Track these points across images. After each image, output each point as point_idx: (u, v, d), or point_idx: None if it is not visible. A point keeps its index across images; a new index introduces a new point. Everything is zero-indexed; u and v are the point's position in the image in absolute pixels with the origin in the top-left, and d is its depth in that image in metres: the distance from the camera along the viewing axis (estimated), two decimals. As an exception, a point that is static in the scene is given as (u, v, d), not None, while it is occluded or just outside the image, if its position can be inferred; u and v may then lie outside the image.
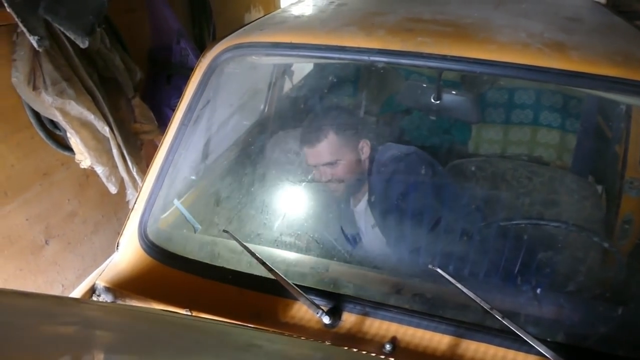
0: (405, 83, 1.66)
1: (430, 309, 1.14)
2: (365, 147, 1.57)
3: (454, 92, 1.42)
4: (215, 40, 1.69)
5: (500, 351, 1.06)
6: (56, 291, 2.39)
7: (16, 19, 1.32)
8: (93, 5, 1.50)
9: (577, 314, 1.16)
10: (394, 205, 1.47)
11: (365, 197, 1.59)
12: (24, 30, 1.32)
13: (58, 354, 0.84)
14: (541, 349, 0.99)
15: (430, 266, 1.14)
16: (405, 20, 1.57)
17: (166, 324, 1.09)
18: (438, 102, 1.40)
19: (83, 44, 1.46)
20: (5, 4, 1.32)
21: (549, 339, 1.03)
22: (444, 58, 1.34)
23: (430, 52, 1.34)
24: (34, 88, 2.04)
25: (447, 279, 1.11)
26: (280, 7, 5.35)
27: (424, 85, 1.46)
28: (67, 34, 1.44)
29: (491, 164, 1.82)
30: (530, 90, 2.12)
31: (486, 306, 1.04)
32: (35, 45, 1.35)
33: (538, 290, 1.17)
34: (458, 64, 1.33)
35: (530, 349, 1.03)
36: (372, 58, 1.40)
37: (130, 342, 0.99)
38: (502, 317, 1.02)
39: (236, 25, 1.75)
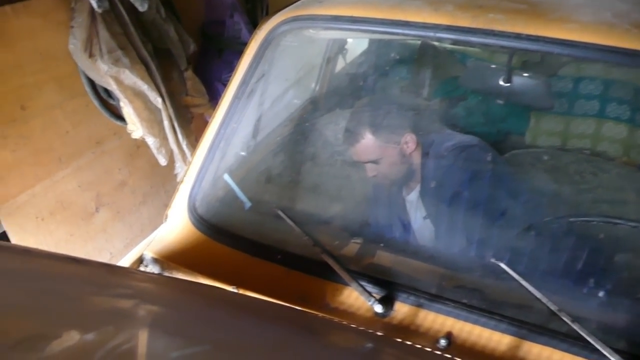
0: (471, 63, 1.56)
1: (491, 306, 1.07)
2: (410, 142, 1.49)
3: (526, 75, 1.31)
4: (271, 13, 1.65)
5: (567, 357, 0.98)
6: (104, 258, 2.44)
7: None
8: (154, -32, 1.47)
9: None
10: (451, 198, 1.39)
11: (418, 187, 1.52)
12: (86, -11, 1.31)
13: (107, 325, 0.83)
14: (614, 358, 0.91)
15: (492, 260, 1.06)
16: (476, -6, 1.47)
17: (216, 300, 1.08)
18: (508, 84, 1.31)
19: (142, 7, 1.44)
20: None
21: (622, 349, 0.95)
22: (517, 37, 1.24)
23: (502, 30, 1.25)
24: (90, 55, 2.05)
25: (511, 274, 1.03)
26: (334, -17, 5.26)
27: (493, 66, 1.36)
28: (127, -4, 1.42)
29: (552, 156, 1.71)
30: (597, 80, 1.98)
31: (553, 307, 0.96)
32: (95, 5, 1.34)
33: (612, 295, 1.08)
34: (533, 43, 1.23)
35: (600, 358, 0.95)
36: (438, 35, 1.32)
37: (179, 317, 0.97)
38: (572, 321, 0.94)
39: (289, 1, 1.70)
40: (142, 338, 0.87)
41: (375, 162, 1.49)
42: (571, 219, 1.26)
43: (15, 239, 1.99)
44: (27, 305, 0.81)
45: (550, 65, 1.73)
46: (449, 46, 2.04)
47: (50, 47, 2.09)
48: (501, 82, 1.32)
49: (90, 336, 0.77)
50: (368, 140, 1.49)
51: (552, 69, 1.85)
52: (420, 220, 1.48)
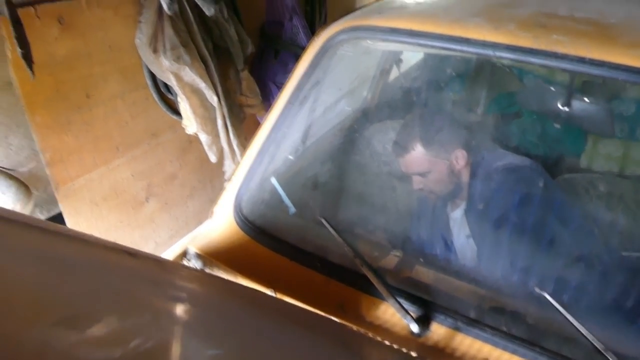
0: (530, 83, 1.52)
1: (532, 336, 1.03)
2: (460, 158, 1.48)
3: (586, 99, 1.27)
4: (328, 21, 1.66)
5: (608, 398, 0.94)
6: (149, 247, 2.52)
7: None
8: (223, -26, 1.52)
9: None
10: (497, 219, 1.36)
11: (464, 205, 1.50)
12: (159, -9, 1.36)
13: (146, 316, 0.85)
14: None
15: (537, 289, 1.03)
16: (539, 15, 1.43)
17: (254, 303, 1.09)
18: (567, 108, 1.27)
19: (209, 11, 1.48)
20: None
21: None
22: (581, 60, 1.20)
23: (565, 53, 1.21)
24: (154, 50, 2.13)
25: (555, 306, 1.00)
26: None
27: (552, 88, 1.32)
28: (197, 0, 1.47)
29: (608, 182, 1.64)
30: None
31: (599, 345, 0.93)
32: (165, 7, 1.39)
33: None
34: (597, 68, 1.19)
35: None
36: (498, 53, 1.29)
37: (217, 316, 0.99)
38: (617, 362, 0.91)
39: (348, 6, 1.70)
40: (179, 333, 0.89)
41: (422, 175, 1.48)
42: (624, 253, 1.21)
43: (69, 220, 2.08)
44: (74, 289, 0.84)
45: (613, 88, 1.67)
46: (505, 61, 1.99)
47: (118, 39, 2.18)
48: (559, 105, 1.28)
49: (128, 324, 0.80)
50: (418, 152, 1.48)
51: (615, 92, 1.78)
52: (462, 239, 1.46)
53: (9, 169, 1.91)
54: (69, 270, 0.80)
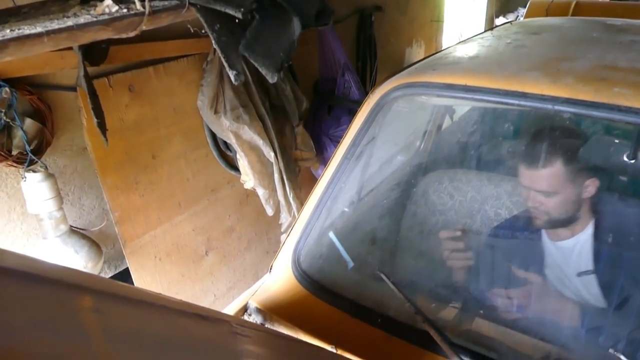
0: (593, 137, 1.49)
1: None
2: (591, 187, 1.36)
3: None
4: (380, 73, 1.71)
5: None
6: (209, 299, 2.57)
7: (220, 55, 1.48)
8: (285, 44, 1.62)
9: None
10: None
11: (580, 234, 1.39)
12: (225, 65, 1.47)
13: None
14: None
15: (611, 351, 0.98)
16: (598, 67, 1.42)
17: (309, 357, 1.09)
18: (633, 161, 1.24)
19: (272, 79, 1.57)
20: (213, 42, 1.49)
21: None
22: (644, 113, 1.18)
23: (629, 106, 1.19)
24: (215, 112, 2.25)
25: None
26: (441, 42, 5.32)
27: (616, 141, 1.30)
28: (260, 69, 1.56)
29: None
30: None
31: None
32: (232, 79, 1.49)
33: None
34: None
35: None
36: (557, 107, 1.29)
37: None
38: None
39: (398, 59, 1.75)
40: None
41: (547, 194, 1.36)
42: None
43: (135, 275, 2.17)
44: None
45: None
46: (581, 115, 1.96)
47: (182, 103, 2.32)
48: (625, 158, 1.26)
49: None
50: (557, 170, 1.35)
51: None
52: (571, 275, 1.36)
53: (82, 229, 2.03)
54: (153, 347, 0.82)
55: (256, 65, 1.52)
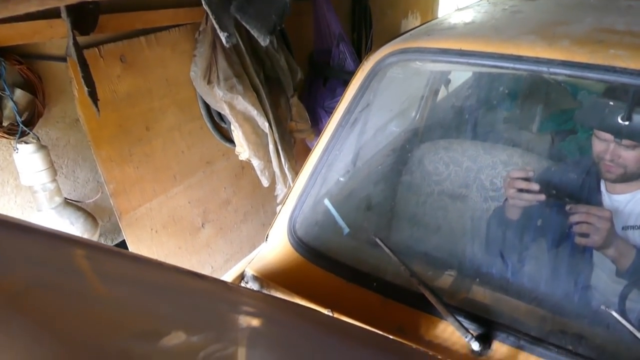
0: (588, 100, 1.49)
1: (598, 356, 1.00)
2: None
3: (647, 113, 1.24)
4: (375, 45, 1.69)
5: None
6: (206, 271, 2.58)
7: (211, 16, 1.45)
8: (277, 6, 1.59)
9: None
10: None
11: (637, 191, 1.40)
12: (216, 26, 1.44)
13: (212, 331, 0.88)
14: None
15: (603, 307, 1.00)
16: (594, 30, 1.41)
17: (312, 320, 1.11)
18: (627, 122, 1.24)
19: (264, 42, 1.55)
20: (203, 2, 1.46)
21: None
22: (640, 74, 1.17)
23: (624, 67, 1.19)
24: (209, 82, 2.22)
25: (622, 324, 0.96)
26: (437, 14, 5.25)
27: (611, 103, 1.30)
28: (252, 31, 1.54)
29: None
30: None
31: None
32: (224, 41, 1.47)
33: None
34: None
35: None
36: (552, 70, 1.28)
37: (277, 332, 1.01)
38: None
39: (393, 30, 1.73)
40: (242, 347, 0.92)
41: (631, 147, 1.32)
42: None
43: (132, 247, 2.17)
44: (146, 306, 0.89)
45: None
46: (560, 78, 1.96)
47: (175, 74, 2.29)
48: (620, 120, 1.25)
49: (195, 338, 0.83)
50: None
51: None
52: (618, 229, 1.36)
53: (77, 201, 2.02)
54: (149, 290, 0.84)
55: (248, 27, 1.50)
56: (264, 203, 2.96)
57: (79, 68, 1.67)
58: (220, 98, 2.23)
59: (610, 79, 1.21)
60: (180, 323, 0.82)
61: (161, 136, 2.26)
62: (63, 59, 1.84)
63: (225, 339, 0.91)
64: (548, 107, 2.44)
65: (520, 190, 1.37)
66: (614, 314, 0.97)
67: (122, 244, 2.17)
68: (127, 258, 0.83)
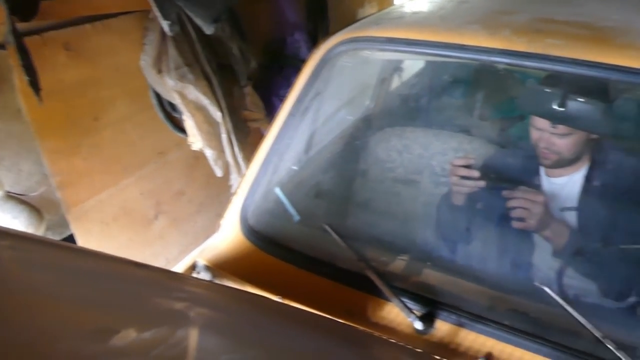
0: (526, 87, 1.56)
1: (533, 329, 1.05)
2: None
3: (581, 100, 1.30)
4: (329, 33, 1.70)
5: (611, 386, 0.96)
6: (160, 263, 2.55)
7: (152, 4, 1.42)
8: (223, -5, 1.57)
9: None
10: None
11: (574, 174, 1.46)
12: (158, 15, 1.42)
13: (162, 325, 0.88)
14: None
15: (537, 283, 1.05)
16: (535, 20, 1.46)
17: (262, 307, 1.12)
18: (563, 109, 1.29)
19: (208, 30, 1.53)
20: (146, -11, 1.43)
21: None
22: (574, 62, 1.23)
23: (559, 55, 1.24)
24: (159, 71, 2.19)
25: (555, 299, 1.02)
26: (394, 3, 5.30)
27: (547, 90, 1.35)
28: (195, 20, 1.52)
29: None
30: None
31: (598, 334, 0.94)
32: (166, 29, 1.44)
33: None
34: (590, 69, 1.22)
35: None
36: (493, 58, 1.33)
37: (228, 321, 1.01)
38: (616, 349, 0.92)
39: (350, 20, 1.75)
40: (194, 339, 0.92)
41: (563, 135, 1.39)
42: (622, 247, 1.23)
43: (80, 241, 2.12)
44: (93, 301, 0.88)
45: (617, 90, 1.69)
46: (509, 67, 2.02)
47: (126, 63, 2.24)
48: (556, 107, 1.31)
49: (146, 335, 0.83)
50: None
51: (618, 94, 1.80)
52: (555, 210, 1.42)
53: (20, 194, 1.95)
54: (88, 281, 0.83)
55: (191, 15, 1.48)
56: (219, 193, 2.93)
57: (18, 55, 1.61)
58: (171, 87, 2.20)
59: (547, 67, 1.27)
60: (130, 318, 0.81)
61: (111, 127, 2.20)
62: (2, 47, 1.77)
63: (175, 329, 0.90)
64: (498, 95, 2.51)
65: (462, 177, 1.42)
66: (547, 290, 1.03)
67: (70, 238, 2.11)
68: (55, 247, 0.81)
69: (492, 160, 1.67)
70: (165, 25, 1.44)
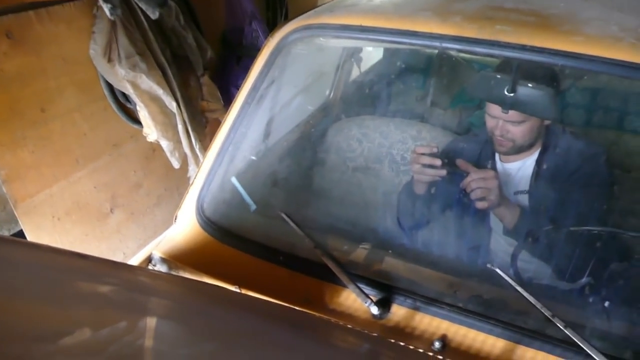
0: (477, 74, 1.58)
1: (486, 310, 1.08)
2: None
3: (530, 85, 1.33)
4: (284, 21, 1.69)
5: (560, 362, 1.00)
6: (118, 258, 2.48)
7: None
8: (168, -22, 1.52)
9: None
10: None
11: (527, 158, 1.50)
12: (100, -2, 1.37)
13: (119, 321, 0.86)
14: None
15: (488, 265, 1.07)
16: (486, 7, 1.49)
17: (218, 298, 1.10)
18: (512, 94, 1.32)
19: (153, 14, 1.49)
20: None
21: (615, 355, 0.95)
22: (522, 48, 1.26)
23: (507, 41, 1.26)
24: (109, 60, 2.12)
25: (506, 280, 1.04)
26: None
27: (498, 77, 1.38)
28: (140, 4, 1.47)
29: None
30: (615, 91, 1.97)
31: (547, 313, 0.97)
32: (107, 13, 1.39)
33: (607, 302, 1.08)
34: (538, 55, 1.25)
35: (592, 363, 0.96)
36: (444, 45, 1.34)
37: (184, 314, 1.00)
38: (565, 327, 0.95)
39: (308, 8, 1.73)
40: (150, 335, 0.90)
41: (517, 123, 1.42)
42: (572, 228, 1.27)
43: (31, 237, 2.04)
44: (44, 299, 0.85)
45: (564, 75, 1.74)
46: (467, 56, 2.05)
47: (73, 52, 2.16)
48: (506, 92, 1.34)
49: (101, 333, 0.80)
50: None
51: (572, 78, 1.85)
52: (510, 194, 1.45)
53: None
54: (29, 276, 0.80)
55: (135, -1, 1.44)
56: (179, 185, 2.88)
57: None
58: (122, 77, 2.13)
59: (496, 53, 1.29)
60: (81, 314, 0.79)
61: (59, 118, 2.12)
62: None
63: (131, 326, 0.88)
64: (457, 84, 2.55)
65: (424, 166, 1.43)
66: (498, 271, 1.05)
67: (20, 234, 2.04)
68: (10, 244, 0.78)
69: (449, 149, 1.70)
70: (106, 8, 1.39)
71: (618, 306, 1.10)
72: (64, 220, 2.17)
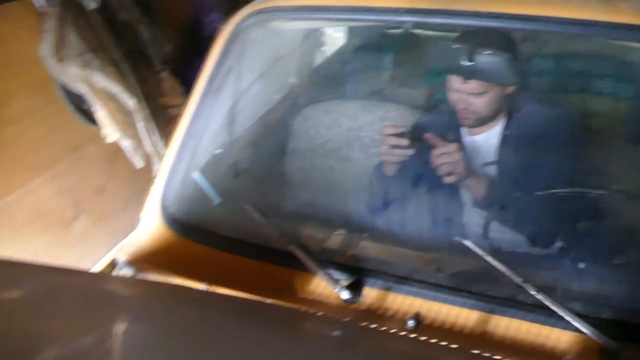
0: (435, 45, 1.56)
1: (457, 283, 1.07)
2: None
3: (488, 52, 1.31)
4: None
5: (534, 327, 0.99)
6: (86, 266, 2.40)
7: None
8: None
9: (618, 287, 1.06)
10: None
11: (492, 129, 1.48)
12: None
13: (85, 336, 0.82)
14: (579, 324, 0.92)
15: (456, 238, 1.06)
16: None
17: (187, 301, 1.07)
18: (471, 63, 1.30)
19: (89, 5, 1.42)
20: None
21: (587, 314, 0.95)
22: (476, 15, 1.25)
23: (461, 9, 1.25)
24: (60, 60, 2.04)
25: (476, 252, 1.03)
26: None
27: (456, 46, 1.36)
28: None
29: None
30: (576, 54, 1.97)
31: (517, 280, 0.96)
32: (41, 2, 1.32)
33: (578, 263, 1.08)
34: (492, 20, 1.24)
35: (567, 325, 0.96)
36: (399, 18, 1.32)
37: (152, 324, 0.96)
38: (537, 292, 0.94)
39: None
40: (118, 344, 0.86)
41: (479, 94, 1.39)
42: (538, 193, 1.26)
43: (-10, 248, 1.97)
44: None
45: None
46: (431, 32, 2.02)
47: (23, 54, 2.08)
48: (465, 62, 1.32)
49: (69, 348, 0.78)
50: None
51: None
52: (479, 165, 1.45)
53: None
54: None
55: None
56: (147, 186, 2.77)
57: None
58: (74, 76, 2.06)
59: (451, 22, 1.27)
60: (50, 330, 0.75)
61: (11, 123, 2.04)
62: None
63: (99, 339, 0.84)
64: (423, 62, 2.53)
65: (392, 147, 1.40)
66: (466, 242, 1.04)
67: (-21, 247, 1.96)
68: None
69: (416, 126, 1.67)
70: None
71: (589, 265, 1.10)
72: (25, 230, 2.10)
